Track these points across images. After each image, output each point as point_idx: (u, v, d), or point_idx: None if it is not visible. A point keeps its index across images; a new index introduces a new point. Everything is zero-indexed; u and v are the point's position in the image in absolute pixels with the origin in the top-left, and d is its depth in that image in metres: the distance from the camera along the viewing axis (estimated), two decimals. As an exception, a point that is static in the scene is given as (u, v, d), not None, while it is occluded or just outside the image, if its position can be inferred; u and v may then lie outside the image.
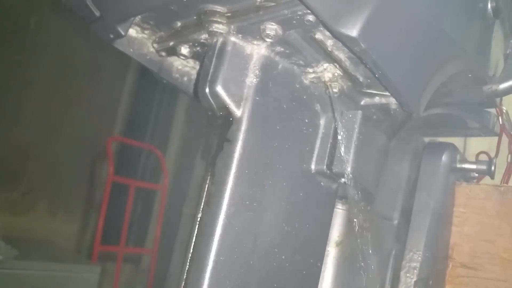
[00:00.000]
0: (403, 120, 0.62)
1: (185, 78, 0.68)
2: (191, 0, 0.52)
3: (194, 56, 0.61)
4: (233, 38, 0.54)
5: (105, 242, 2.73)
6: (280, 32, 0.51)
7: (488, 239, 0.75)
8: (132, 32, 0.61)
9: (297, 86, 0.59)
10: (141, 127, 3.80)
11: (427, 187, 0.77)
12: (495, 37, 0.65)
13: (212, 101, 0.54)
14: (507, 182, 0.85)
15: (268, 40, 0.52)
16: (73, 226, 3.53)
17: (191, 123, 3.66)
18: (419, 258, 0.74)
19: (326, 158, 0.60)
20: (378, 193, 0.65)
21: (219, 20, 0.53)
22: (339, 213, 0.66)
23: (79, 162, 3.54)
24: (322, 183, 0.61)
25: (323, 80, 0.58)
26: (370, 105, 0.61)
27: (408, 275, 0.74)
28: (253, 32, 0.52)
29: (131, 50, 0.62)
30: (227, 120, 0.54)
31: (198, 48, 0.59)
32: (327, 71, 0.57)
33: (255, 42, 0.54)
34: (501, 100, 0.80)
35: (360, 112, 0.59)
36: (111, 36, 0.59)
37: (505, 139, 0.85)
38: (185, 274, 0.52)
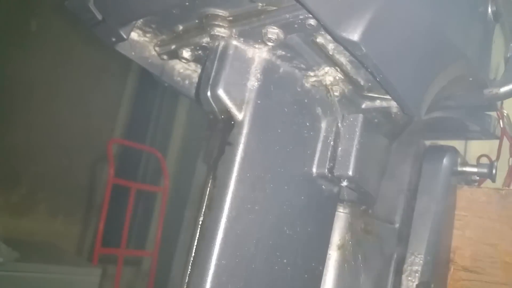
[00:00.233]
0: (404, 124, 0.62)
1: (187, 81, 0.69)
2: (193, 4, 0.52)
3: (196, 59, 0.61)
4: (234, 42, 0.54)
5: (106, 245, 2.73)
6: (281, 36, 0.51)
7: (490, 242, 0.75)
8: (134, 35, 0.61)
9: (299, 89, 0.59)
10: (141, 129, 3.81)
11: (429, 190, 0.77)
12: (495, 41, 0.66)
13: (213, 104, 0.54)
14: (508, 186, 0.85)
15: (269, 44, 0.52)
16: (74, 228, 3.53)
17: (191, 126, 3.66)
18: (421, 261, 0.74)
19: (328, 161, 0.60)
20: (379, 197, 0.65)
21: (221, 24, 0.53)
22: (341, 216, 0.66)
23: (80, 164, 3.54)
24: (323, 186, 0.61)
25: (324, 83, 0.58)
26: (371, 108, 0.61)
27: (409, 278, 0.74)
28: (255, 36, 0.53)
29: (133, 53, 0.62)
30: (229, 124, 0.54)
31: (199, 52, 0.60)
32: (328, 75, 0.58)
33: (257, 46, 0.55)
34: (502, 103, 0.80)
35: (361, 115, 0.59)
36: (113, 39, 0.59)
37: (506, 142, 0.84)
38: (187, 277, 0.52)
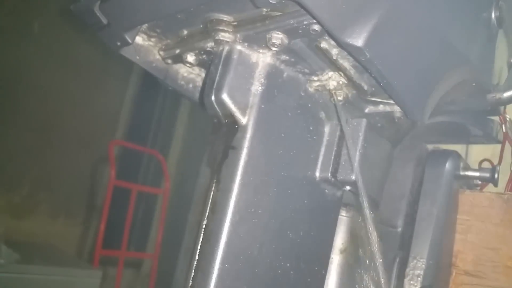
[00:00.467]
0: (407, 128, 0.62)
1: (190, 85, 0.69)
2: (198, 9, 0.52)
3: (200, 63, 0.62)
4: (239, 47, 0.55)
5: (107, 247, 2.73)
6: (286, 41, 0.51)
7: (492, 247, 0.75)
8: (139, 39, 0.62)
9: (302, 94, 0.59)
10: (143, 131, 3.81)
11: (431, 195, 0.77)
12: (499, 46, 0.66)
13: (217, 108, 0.54)
14: (510, 190, 0.85)
15: (274, 49, 0.52)
16: (75, 230, 3.53)
17: (193, 128, 3.66)
18: (423, 265, 0.74)
19: (331, 165, 0.60)
20: (382, 201, 0.66)
21: (225, 29, 0.53)
22: (343, 220, 0.67)
23: (81, 166, 3.54)
24: (326, 190, 0.61)
25: (328, 88, 0.59)
26: (375, 113, 0.61)
27: (411, 282, 0.74)
28: (259, 41, 0.53)
29: (138, 57, 0.63)
30: (233, 128, 0.54)
31: (204, 56, 0.60)
32: (332, 79, 0.58)
33: (261, 51, 0.55)
34: (504, 108, 0.80)
35: (364, 120, 0.60)
36: (118, 43, 0.59)
37: (508, 146, 0.85)
38: (191, 281, 0.52)
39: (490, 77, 0.66)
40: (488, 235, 0.77)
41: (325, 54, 0.52)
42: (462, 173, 0.80)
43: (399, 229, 0.78)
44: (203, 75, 0.68)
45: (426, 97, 0.56)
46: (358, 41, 0.45)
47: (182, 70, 0.68)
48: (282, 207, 0.56)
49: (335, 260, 0.65)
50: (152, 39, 0.63)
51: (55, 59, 3.31)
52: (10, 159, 3.12)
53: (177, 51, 0.61)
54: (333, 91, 0.58)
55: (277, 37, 0.51)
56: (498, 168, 0.80)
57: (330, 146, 0.61)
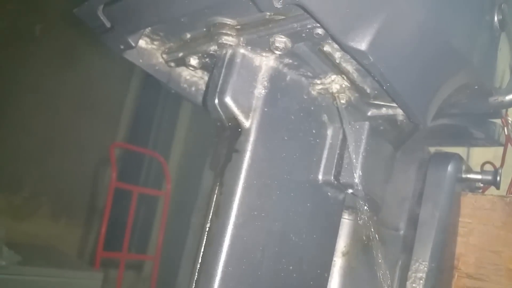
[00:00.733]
0: (410, 131, 0.62)
1: (193, 88, 0.69)
2: (201, 13, 0.53)
3: (203, 67, 0.62)
4: (242, 50, 0.55)
5: (108, 248, 2.73)
6: (289, 44, 0.51)
7: (494, 249, 0.75)
8: (142, 43, 0.62)
9: (305, 97, 0.59)
10: (144, 133, 3.81)
11: (433, 197, 0.77)
12: (501, 49, 0.66)
13: (221, 112, 0.55)
14: (512, 193, 0.85)
15: (277, 52, 0.52)
16: (76, 232, 3.53)
17: (194, 130, 3.66)
18: (425, 268, 0.74)
19: (334, 168, 0.60)
20: (384, 203, 0.66)
21: (228, 32, 0.53)
22: (346, 223, 0.67)
23: (82, 168, 3.55)
24: (329, 193, 0.61)
25: (330, 91, 0.59)
26: (377, 116, 0.61)
27: (414, 285, 0.74)
28: (262, 44, 0.53)
29: (141, 60, 0.63)
30: (236, 131, 0.54)
31: (207, 59, 0.60)
32: (335, 83, 0.58)
33: (264, 54, 0.55)
34: (506, 110, 0.80)
35: (367, 123, 0.60)
36: (122, 47, 0.59)
37: (510, 149, 0.85)
38: (194, 284, 0.52)
39: (492, 80, 0.66)
40: (490, 237, 0.76)
41: (328, 57, 0.53)
42: (464, 175, 0.80)
43: (401, 232, 0.78)
44: (205, 78, 0.68)
45: (429, 100, 0.56)
46: (362, 45, 0.45)
47: (185, 73, 0.68)
48: (285, 210, 0.57)
49: (338, 263, 0.65)
50: (155, 43, 0.63)
51: (57, 61, 3.31)
52: (12, 161, 3.13)
53: (180, 54, 0.61)
54: (336, 94, 0.58)
55: (281, 40, 0.51)
56: (500, 171, 0.80)
57: (333, 149, 0.61)
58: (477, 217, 0.79)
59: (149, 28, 0.60)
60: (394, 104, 0.58)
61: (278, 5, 0.43)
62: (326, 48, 0.52)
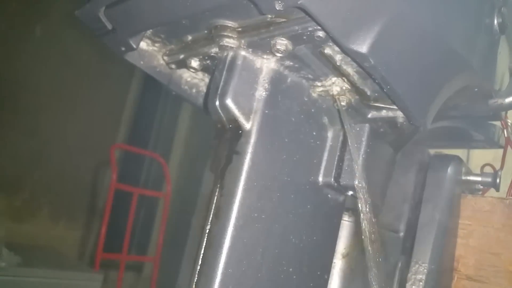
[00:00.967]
0: (410, 134, 0.62)
1: (194, 90, 0.69)
2: (203, 15, 0.53)
3: (204, 69, 0.62)
4: (243, 52, 0.55)
5: (108, 250, 2.73)
6: (290, 47, 0.51)
7: (494, 251, 0.75)
8: (143, 44, 0.62)
9: (306, 99, 0.59)
10: (144, 134, 3.82)
11: (433, 199, 0.77)
12: (501, 52, 0.66)
13: (221, 114, 0.55)
14: (512, 195, 0.86)
15: (278, 54, 0.52)
16: (76, 233, 3.53)
17: (194, 131, 3.67)
18: (425, 270, 0.74)
19: (334, 170, 0.60)
20: (384, 205, 0.66)
21: (230, 34, 0.54)
22: (346, 225, 0.67)
23: (82, 169, 3.55)
24: (329, 195, 0.61)
25: (331, 93, 0.59)
26: (377, 118, 0.61)
27: (414, 287, 0.74)
28: (264, 47, 0.53)
29: (142, 62, 0.63)
30: (236, 133, 0.54)
31: (208, 61, 0.60)
32: (335, 85, 0.58)
33: (265, 56, 0.55)
34: (506, 112, 0.81)
35: (367, 125, 0.60)
36: (123, 48, 0.59)
37: (510, 151, 0.85)
38: (194, 286, 0.52)
39: (492, 82, 0.66)
40: (490, 240, 0.77)
41: (329, 60, 0.53)
42: (464, 178, 0.80)
43: (401, 234, 0.78)
44: (206, 80, 0.69)
45: (429, 102, 0.56)
46: (363, 48, 0.45)
47: (186, 75, 0.68)
48: (285, 212, 0.57)
49: (338, 265, 0.66)
50: (157, 44, 0.63)
51: (57, 62, 3.32)
52: (11, 162, 3.13)
53: (181, 56, 0.61)
54: (336, 97, 0.58)
55: (282, 43, 0.51)
56: (500, 173, 0.80)
57: (333, 151, 0.61)
58: (477, 219, 0.79)
59: (150, 30, 0.60)
60: (395, 107, 0.58)
61: (279, 7, 0.43)
62: (327, 50, 0.52)
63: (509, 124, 0.83)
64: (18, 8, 3.16)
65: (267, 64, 0.56)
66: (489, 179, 0.80)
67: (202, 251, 0.53)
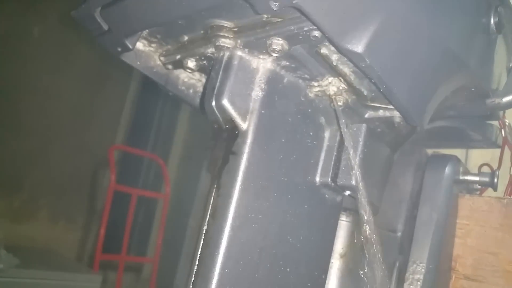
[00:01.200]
0: (407, 133, 0.62)
1: (191, 91, 0.69)
2: (199, 15, 0.53)
3: (201, 69, 0.62)
4: (239, 52, 0.55)
5: (107, 251, 2.73)
6: (286, 47, 0.51)
7: (492, 251, 0.75)
8: (139, 45, 0.62)
9: (302, 99, 0.59)
10: (143, 135, 3.81)
11: (431, 199, 0.77)
12: (498, 51, 0.66)
13: (218, 114, 0.55)
14: (510, 195, 0.86)
15: (274, 54, 0.52)
16: (75, 234, 3.53)
17: (193, 132, 3.66)
18: (423, 270, 0.74)
19: (331, 170, 0.60)
20: (381, 205, 0.66)
21: (226, 34, 0.54)
22: (343, 225, 0.67)
23: (81, 171, 3.54)
24: (326, 195, 0.61)
25: (328, 93, 0.59)
26: (374, 118, 0.61)
27: (411, 287, 0.74)
28: (260, 47, 0.53)
29: (138, 63, 0.63)
30: (233, 133, 0.54)
31: (204, 62, 0.60)
32: (332, 85, 0.58)
33: (261, 57, 0.55)
34: (503, 112, 0.81)
35: (364, 125, 0.60)
36: (119, 49, 0.59)
37: (507, 151, 0.85)
38: (191, 286, 0.52)
39: (489, 82, 0.66)
40: (487, 239, 0.77)
41: (325, 59, 0.53)
42: (461, 177, 0.80)
43: (399, 234, 0.78)
44: (203, 80, 0.69)
45: (426, 102, 0.56)
46: (358, 47, 0.45)
47: (183, 75, 0.68)
48: (282, 212, 0.57)
49: (335, 265, 0.66)
50: (153, 45, 0.63)
51: (56, 63, 3.32)
52: (10, 163, 3.13)
53: (178, 56, 0.61)
54: (333, 97, 0.58)
55: (278, 43, 0.51)
56: (497, 173, 0.80)
57: (330, 151, 0.61)
58: (475, 219, 0.79)
59: (147, 30, 0.60)
60: (391, 106, 0.58)
61: (275, 7, 0.43)
62: (323, 50, 0.52)
63: (506, 123, 0.83)
64: (16, 8, 3.16)
65: (263, 64, 0.56)
66: (487, 179, 0.80)
67: (199, 252, 0.53)
